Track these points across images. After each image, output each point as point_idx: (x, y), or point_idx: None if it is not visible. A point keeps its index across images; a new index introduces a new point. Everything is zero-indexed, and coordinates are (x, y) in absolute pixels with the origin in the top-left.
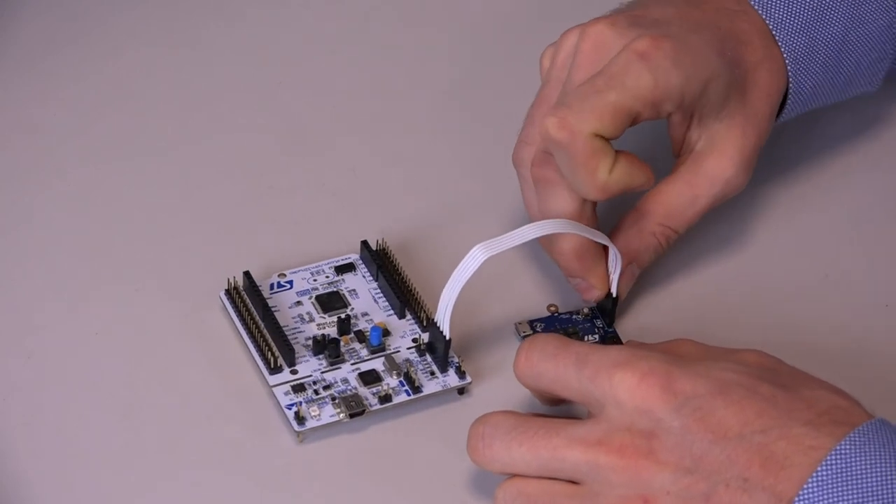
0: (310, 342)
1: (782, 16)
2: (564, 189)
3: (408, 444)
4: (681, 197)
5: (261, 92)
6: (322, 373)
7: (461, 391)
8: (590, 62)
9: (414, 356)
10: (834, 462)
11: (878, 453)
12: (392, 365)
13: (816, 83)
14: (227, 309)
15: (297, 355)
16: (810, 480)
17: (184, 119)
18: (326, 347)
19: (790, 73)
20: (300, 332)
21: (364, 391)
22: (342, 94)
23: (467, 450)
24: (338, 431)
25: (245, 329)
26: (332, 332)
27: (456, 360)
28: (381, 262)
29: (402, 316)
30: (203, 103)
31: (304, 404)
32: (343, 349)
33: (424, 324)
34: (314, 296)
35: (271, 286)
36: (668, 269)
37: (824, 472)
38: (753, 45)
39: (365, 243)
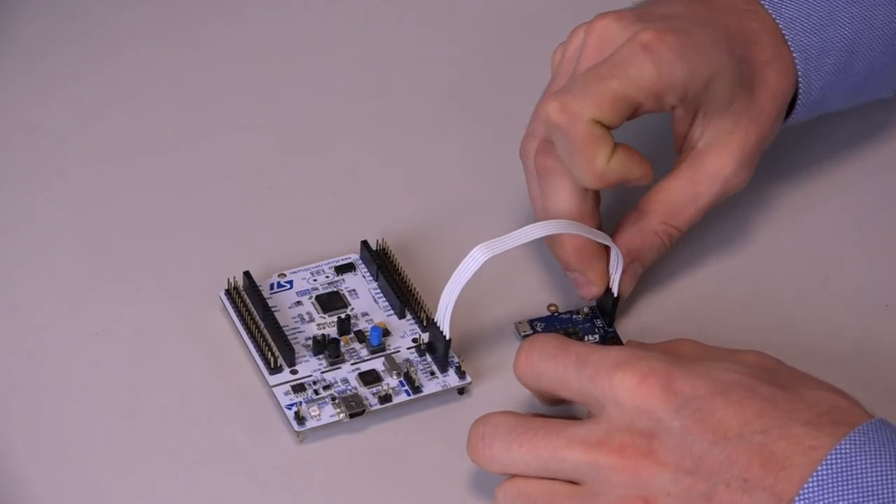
0: (310, 342)
1: (792, 15)
2: (565, 178)
3: (408, 444)
4: (682, 194)
5: (261, 92)
6: (322, 373)
7: (461, 391)
8: (595, 55)
9: (414, 356)
10: (834, 462)
11: (877, 453)
12: (392, 365)
13: (826, 85)
14: (227, 309)
15: (297, 355)
16: (810, 480)
17: (184, 119)
18: (326, 347)
19: (800, 74)
20: (300, 332)
21: (364, 391)
22: (342, 94)
23: (467, 450)
24: (338, 431)
25: (245, 329)
26: (332, 332)
27: (456, 360)
28: (381, 262)
29: (402, 316)
30: (203, 103)
31: (304, 404)
32: (343, 349)
33: (424, 324)
34: (314, 296)
35: (271, 286)
36: (669, 268)
37: (824, 472)
38: (762, 44)
39: (365, 243)
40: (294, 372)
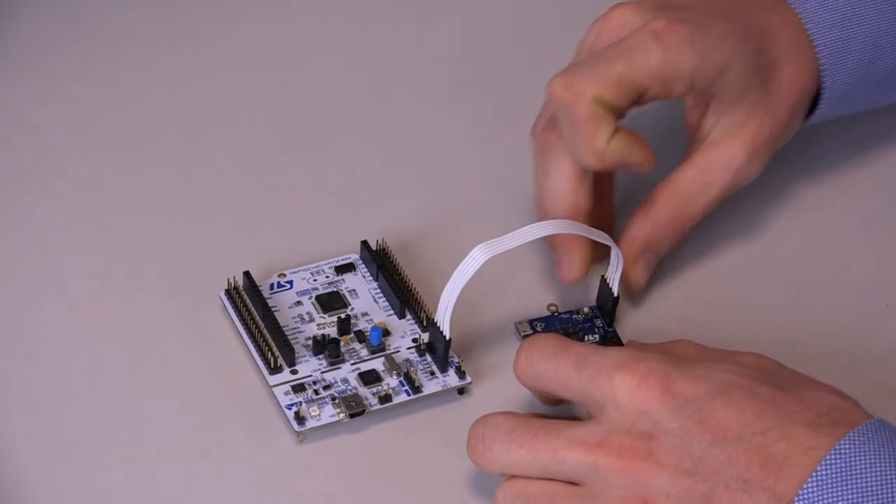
0: (310, 342)
1: (816, 10)
2: (565, 156)
3: (408, 444)
4: (693, 184)
5: (261, 92)
6: (322, 373)
7: (461, 391)
8: (609, 41)
9: (414, 356)
10: (833, 462)
11: (877, 453)
12: (392, 365)
13: (849, 81)
14: (227, 309)
15: (297, 355)
16: (810, 480)
17: (184, 119)
18: (326, 347)
19: (823, 70)
20: (300, 332)
21: (364, 391)
22: (342, 94)
23: (467, 451)
24: (338, 431)
25: (245, 329)
26: (332, 332)
27: (456, 360)
28: (381, 262)
29: (402, 316)
30: (203, 103)
31: (304, 404)
32: (343, 349)
33: (424, 324)
34: (314, 296)
35: (271, 286)
36: (669, 268)
37: (824, 472)
38: (781, 38)
39: (365, 243)
40: (294, 372)
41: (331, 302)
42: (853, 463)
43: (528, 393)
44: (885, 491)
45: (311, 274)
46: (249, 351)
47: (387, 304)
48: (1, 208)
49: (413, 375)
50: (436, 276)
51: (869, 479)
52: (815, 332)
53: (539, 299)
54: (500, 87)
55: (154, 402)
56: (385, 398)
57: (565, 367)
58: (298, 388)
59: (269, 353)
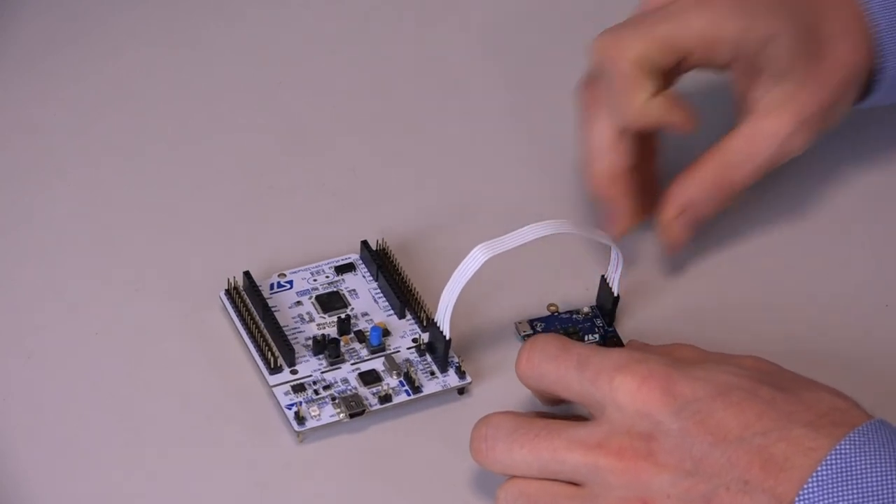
0: (310, 342)
1: None
2: (606, 114)
3: (408, 444)
4: (738, 152)
5: (261, 92)
6: (322, 373)
7: (461, 391)
8: (658, 6)
9: (414, 356)
10: (834, 462)
11: (877, 453)
12: (392, 365)
13: None
14: (227, 309)
15: (297, 355)
16: (810, 480)
17: (184, 119)
18: (326, 347)
19: (880, 49)
20: (300, 332)
21: (364, 391)
22: (342, 94)
23: (470, 451)
24: (338, 431)
25: (245, 329)
26: (332, 332)
27: (456, 360)
28: (381, 262)
29: (402, 316)
30: (203, 103)
31: (304, 404)
32: (343, 349)
33: (424, 324)
34: (314, 296)
35: (271, 286)
36: (669, 268)
37: (824, 473)
38: (833, 15)
39: (365, 243)
40: (294, 372)
41: (331, 302)
42: (853, 463)
43: (528, 393)
44: (885, 491)
45: (311, 274)
46: (249, 351)
47: (387, 304)
48: (1, 208)
49: (413, 375)
50: (436, 276)
51: (869, 480)
52: (815, 332)
53: (539, 299)
54: (500, 87)
55: (154, 402)
56: (385, 398)
57: (566, 369)
58: (298, 388)
59: (269, 353)
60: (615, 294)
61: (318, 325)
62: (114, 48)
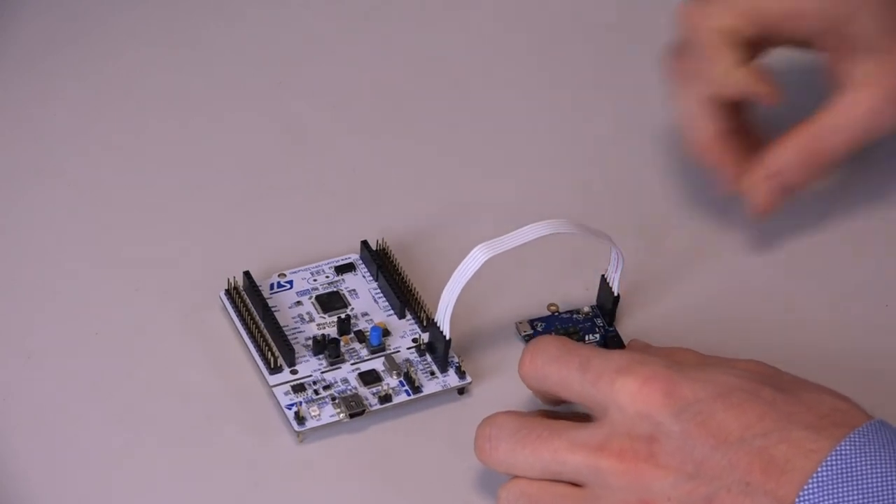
0: (310, 342)
1: None
2: (694, 83)
3: (408, 444)
4: (830, 124)
5: (261, 92)
6: (322, 373)
7: (461, 391)
8: None
9: (414, 356)
10: (834, 463)
11: (878, 454)
12: (392, 365)
13: None
14: (227, 309)
15: (297, 355)
16: (810, 481)
17: (184, 119)
18: (326, 347)
19: None
20: (300, 332)
21: (364, 391)
22: (342, 94)
23: (474, 450)
24: (338, 431)
25: (245, 329)
26: (332, 332)
27: (456, 360)
28: (381, 262)
29: (402, 316)
30: (203, 103)
31: (304, 404)
32: (343, 349)
33: (424, 324)
34: (314, 296)
35: (271, 286)
36: (669, 268)
37: (824, 474)
38: None
39: (365, 243)
40: (294, 372)
41: (331, 302)
42: (854, 464)
43: (528, 393)
44: (885, 492)
45: (311, 274)
46: (249, 351)
47: (387, 304)
48: (1, 208)
49: (413, 375)
50: (436, 276)
51: (870, 481)
52: (815, 333)
53: (539, 299)
54: (501, 87)
55: (154, 401)
56: (385, 398)
57: (569, 370)
58: (298, 388)
59: (269, 353)
60: (615, 294)
61: (318, 325)
62: (114, 48)
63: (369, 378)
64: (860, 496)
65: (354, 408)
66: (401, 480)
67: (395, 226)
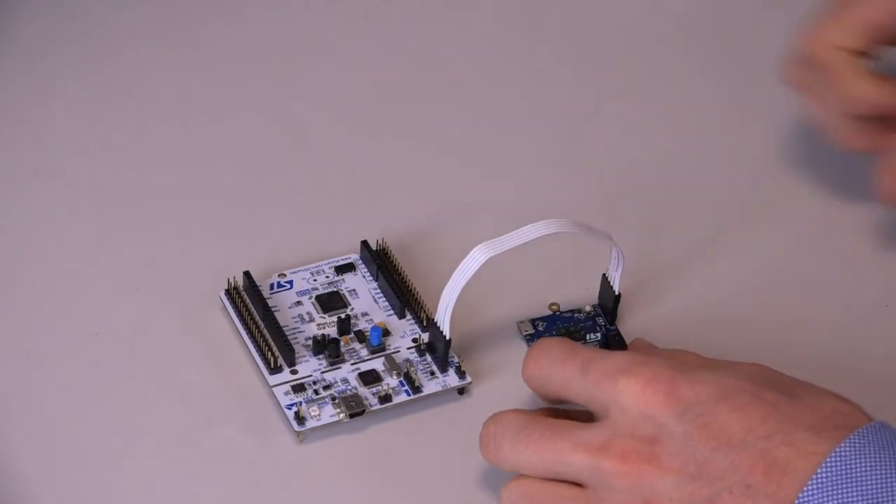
0: (310, 342)
1: None
2: (826, 100)
3: (408, 444)
4: None
5: (261, 92)
6: (322, 373)
7: (461, 391)
8: None
9: (414, 356)
10: (834, 464)
11: (878, 455)
12: (392, 365)
13: None
14: (227, 309)
15: (297, 355)
16: (810, 482)
17: (184, 119)
18: (326, 347)
19: None
20: (300, 332)
21: (364, 391)
22: (342, 94)
23: (480, 448)
24: (338, 431)
25: (245, 329)
26: (332, 332)
27: (456, 359)
28: (381, 262)
29: (402, 316)
30: (203, 103)
31: (304, 404)
32: (343, 349)
33: (424, 324)
34: (314, 296)
35: (271, 286)
36: (671, 267)
37: (824, 475)
38: None
39: (365, 243)
40: (294, 372)
41: (331, 302)
42: (854, 465)
43: (528, 393)
44: (885, 493)
45: (311, 274)
46: (249, 351)
47: (387, 304)
48: (1, 208)
49: (413, 375)
50: (436, 276)
51: (869, 482)
52: (815, 333)
53: (541, 298)
54: (501, 87)
55: (154, 401)
56: (385, 398)
57: (572, 372)
58: (298, 388)
59: (269, 353)
60: (616, 292)
61: (318, 325)
62: (114, 48)
63: (369, 378)
64: (860, 497)
65: (354, 408)
66: (401, 480)
67: (395, 226)
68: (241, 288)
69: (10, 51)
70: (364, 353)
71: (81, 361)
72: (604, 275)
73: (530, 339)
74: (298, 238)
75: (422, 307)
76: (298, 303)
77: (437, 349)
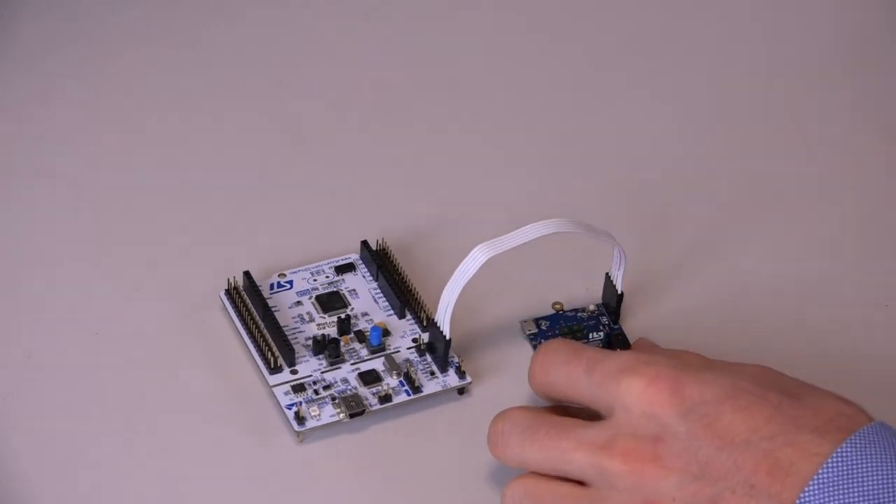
0: (310, 342)
1: None
2: None
3: (408, 444)
4: None
5: (261, 92)
6: (322, 373)
7: (461, 391)
8: None
9: (414, 356)
10: (835, 464)
11: (879, 456)
12: (392, 365)
13: None
14: (227, 309)
15: (297, 355)
16: (811, 483)
17: (184, 119)
18: (326, 347)
19: None
20: (300, 332)
21: (364, 391)
22: (342, 94)
23: (488, 445)
24: (338, 431)
25: (245, 329)
26: (332, 332)
27: (456, 359)
28: (381, 262)
29: (401, 316)
30: (203, 103)
31: (304, 404)
32: (343, 349)
33: (424, 324)
34: (314, 296)
35: (271, 286)
36: (674, 267)
37: (825, 475)
38: None
39: (365, 243)
40: (294, 372)
41: (331, 302)
42: (855, 466)
43: (528, 393)
44: (886, 493)
45: (311, 274)
46: (249, 351)
47: (387, 304)
48: (1, 208)
49: (413, 375)
50: (435, 276)
51: (870, 482)
52: (815, 333)
53: (544, 297)
54: (501, 87)
55: (154, 402)
56: (385, 398)
57: (577, 374)
58: (298, 388)
59: (269, 353)
60: (619, 291)
61: (318, 325)
62: (114, 48)
63: (369, 378)
64: (862, 497)
65: (354, 408)
66: (401, 480)
67: (395, 226)
68: (241, 288)
69: (10, 51)
70: (364, 353)
71: (81, 361)
72: (607, 274)
73: (533, 338)
74: (298, 238)
75: (422, 307)
76: (298, 303)
77: (437, 349)
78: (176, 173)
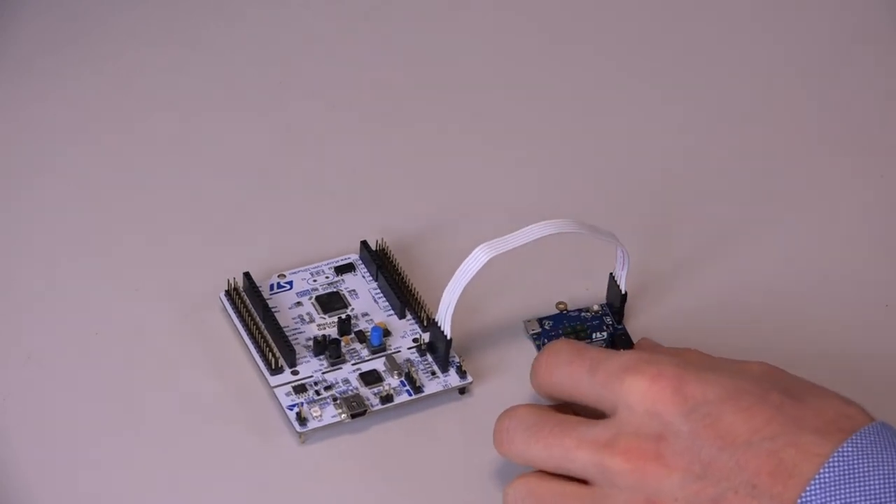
0: (310, 343)
1: None
2: None
3: (409, 444)
4: None
5: (261, 92)
6: (323, 373)
7: (462, 391)
8: None
9: (415, 356)
10: (836, 465)
11: (880, 455)
12: (393, 365)
13: None
14: (227, 310)
15: (297, 356)
16: (813, 482)
17: (184, 119)
18: (327, 348)
19: None
20: (300, 332)
21: (365, 391)
22: (342, 94)
23: (493, 442)
24: (339, 432)
25: (245, 330)
26: (333, 332)
27: (457, 359)
28: (381, 262)
29: (402, 316)
30: (203, 103)
31: (305, 405)
32: (344, 349)
33: (425, 324)
34: (314, 296)
35: (271, 287)
36: (676, 267)
37: (826, 475)
38: None
39: (365, 243)
40: (295, 373)
41: (331, 302)
42: (856, 466)
43: (530, 393)
44: (887, 493)
45: (311, 274)
46: (250, 352)
47: (387, 304)
48: (1, 208)
49: (414, 375)
50: (436, 275)
51: (871, 482)
52: (816, 333)
53: (548, 297)
54: (501, 87)
55: (154, 402)
56: (386, 398)
57: (580, 373)
58: (300, 389)
59: (270, 354)
60: (623, 291)
61: (319, 325)
62: (114, 48)
63: (370, 378)
64: (863, 497)
65: (356, 408)
66: (403, 480)
67: (395, 226)
68: (241, 288)
69: (10, 51)
70: (365, 353)
71: (81, 361)
72: (611, 274)
73: (537, 338)
74: (298, 238)
75: (422, 307)
76: (298, 303)
77: (438, 349)
78: (176, 173)
